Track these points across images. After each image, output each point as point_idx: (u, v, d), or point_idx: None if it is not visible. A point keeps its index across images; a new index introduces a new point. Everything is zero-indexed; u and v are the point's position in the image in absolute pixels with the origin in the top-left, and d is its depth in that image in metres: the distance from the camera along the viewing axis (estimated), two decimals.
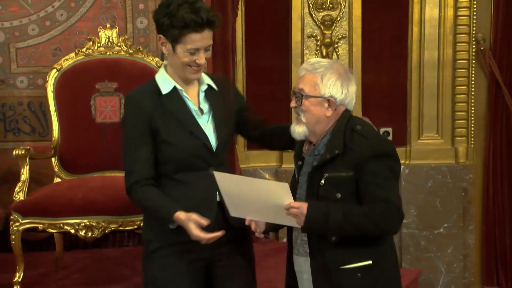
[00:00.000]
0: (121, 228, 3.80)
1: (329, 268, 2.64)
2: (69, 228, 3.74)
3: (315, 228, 2.60)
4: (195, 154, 2.77)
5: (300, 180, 2.76)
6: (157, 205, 2.76)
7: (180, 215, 2.70)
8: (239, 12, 4.94)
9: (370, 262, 2.64)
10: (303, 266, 2.74)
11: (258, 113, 3.04)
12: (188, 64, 2.76)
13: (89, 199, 3.73)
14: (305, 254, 2.72)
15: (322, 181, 2.64)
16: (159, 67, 4.24)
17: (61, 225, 3.74)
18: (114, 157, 4.10)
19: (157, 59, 4.30)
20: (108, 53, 4.28)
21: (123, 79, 4.20)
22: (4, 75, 4.58)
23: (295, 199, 2.65)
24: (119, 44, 4.30)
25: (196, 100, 2.84)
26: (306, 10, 5.09)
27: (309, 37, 5.13)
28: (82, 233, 3.71)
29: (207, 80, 2.89)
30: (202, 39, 2.73)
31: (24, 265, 3.84)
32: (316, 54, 5.11)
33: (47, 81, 4.18)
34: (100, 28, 4.33)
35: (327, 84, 2.68)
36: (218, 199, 2.78)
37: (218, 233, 2.69)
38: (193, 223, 2.68)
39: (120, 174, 4.06)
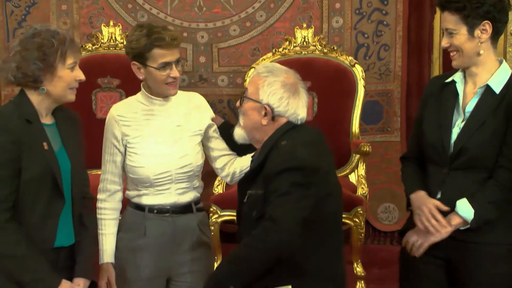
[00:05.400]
0: None
1: None
2: None
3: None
4: None
5: None
6: (405, 183, 2.81)
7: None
8: (438, 10, 4.79)
9: (289, 286, 2.49)
10: None
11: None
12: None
13: None
14: None
15: (245, 198, 2.56)
16: (353, 66, 4.27)
17: None
18: None
19: (350, 58, 4.31)
20: (303, 52, 4.36)
21: (316, 78, 4.26)
22: (206, 74, 4.77)
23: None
24: (314, 43, 4.36)
25: None
26: None
27: None
28: None
29: None
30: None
31: (222, 255, 3.99)
32: None
33: (245, 80, 4.35)
34: (297, 28, 4.42)
35: (267, 91, 2.55)
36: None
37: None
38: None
39: None
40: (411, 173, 2.81)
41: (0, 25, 4.69)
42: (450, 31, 2.64)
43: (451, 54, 2.68)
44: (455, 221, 2.61)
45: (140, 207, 2.88)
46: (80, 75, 2.61)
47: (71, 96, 2.62)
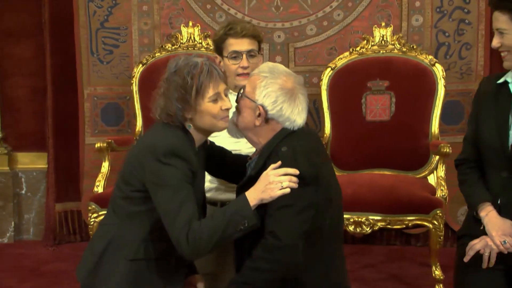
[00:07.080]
0: (388, 226, 3.79)
1: None
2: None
3: None
4: None
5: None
6: (468, 190, 2.77)
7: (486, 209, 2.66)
8: None
9: None
10: None
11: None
12: None
13: (358, 196, 3.76)
14: None
15: None
16: (433, 65, 4.19)
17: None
18: (382, 155, 4.13)
19: (430, 57, 4.22)
20: (381, 51, 4.30)
21: (394, 78, 4.20)
22: None
23: None
24: (392, 42, 4.30)
25: None
26: None
27: None
28: (351, 228, 3.77)
29: None
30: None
31: None
32: None
33: (321, 80, 4.32)
34: (375, 27, 4.36)
35: (263, 92, 2.48)
36: None
37: None
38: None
39: (389, 172, 4.10)
40: (471, 180, 2.77)
41: (83, 25, 4.83)
42: (501, 30, 2.59)
43: (502, 54, 2.63)
44: None
45: None
46: (225, 104, 2.55)
47: (223, 125, 2.59)
